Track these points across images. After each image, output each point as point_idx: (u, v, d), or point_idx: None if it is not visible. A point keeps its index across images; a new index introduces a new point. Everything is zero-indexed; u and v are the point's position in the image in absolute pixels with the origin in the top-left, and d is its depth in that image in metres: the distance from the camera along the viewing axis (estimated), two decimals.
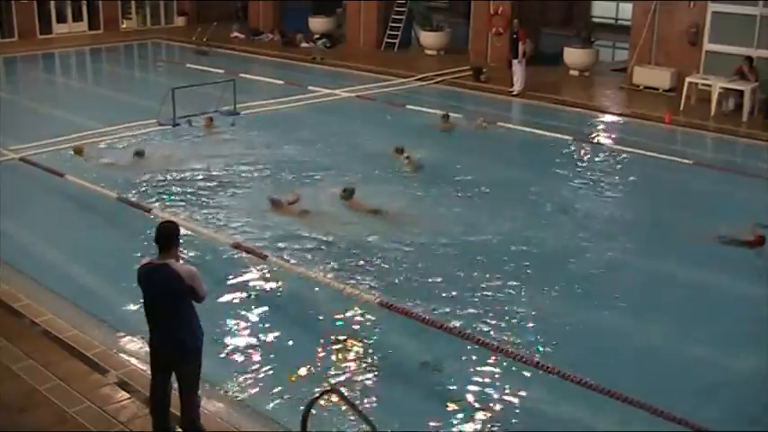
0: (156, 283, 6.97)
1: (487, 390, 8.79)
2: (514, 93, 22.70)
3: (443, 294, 10.84)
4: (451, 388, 8.84)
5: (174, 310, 7.00)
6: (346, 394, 7.64)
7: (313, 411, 6.78)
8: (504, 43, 24.66)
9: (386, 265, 11.75)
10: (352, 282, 11.11)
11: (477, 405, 8.54)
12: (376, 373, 9.10)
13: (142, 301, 7.20)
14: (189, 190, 14.77)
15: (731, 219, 13.45)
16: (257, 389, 8.74)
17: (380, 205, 13.66)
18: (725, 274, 11.57)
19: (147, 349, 7.43)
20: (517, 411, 8.48)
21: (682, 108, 20.63)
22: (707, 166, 16.90)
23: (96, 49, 30.67)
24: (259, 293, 10.94)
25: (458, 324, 9.91)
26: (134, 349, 9.32)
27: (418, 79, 24.49)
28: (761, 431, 8.34)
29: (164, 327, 7.07)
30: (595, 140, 18.76)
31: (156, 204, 13.92)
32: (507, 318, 10.25)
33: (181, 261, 7.20)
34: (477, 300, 10.68)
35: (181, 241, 7.27)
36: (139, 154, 16.35)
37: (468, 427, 8.24)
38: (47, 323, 9.69)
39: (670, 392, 8.62)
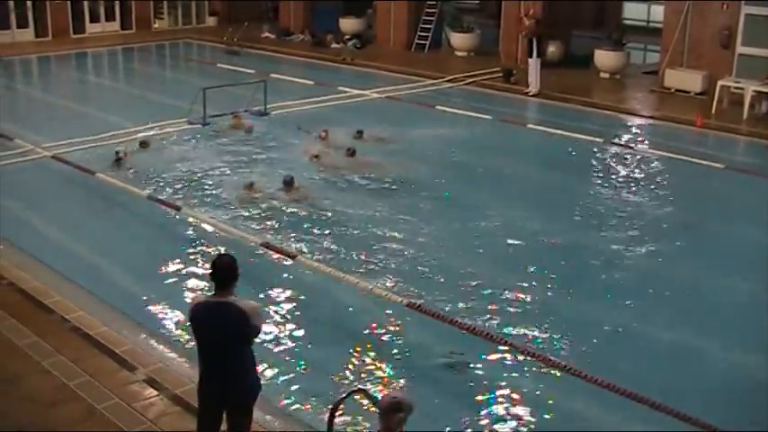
0: (219, 323, 6.29)
1: (515, 391, 8.76)
2: (531, 93, 22.60)
3: (471, 295, 10.81)
4: (479, 389, 8.81)
5: (235, 355, 6.37)
6: (373, 394, 7.64)
7: (340, 412, 6.79)
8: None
9: (412, 265, 11.77)
10: (378, 279, 11.14)
11: (504, 406, 8.52)
12: (403, 373, 9.11)
13: (195, 343, 6.57)
14: (213, 188, 14.85)
15: (762, 223, 13.37)
16: (284, 389, 8.75)
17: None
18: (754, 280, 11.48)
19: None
20: (545, 414, 8.43)
21: (714, 111, 20.42)
22: (739, 169, 16.73)
23: (128, 48, 30.88)
24: (286, 293, 10.94)
25: (487, 326, 9.90)
26: (163, 347, 9.40)
27: (448, 80, 24.44)
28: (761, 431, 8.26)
29: (221, 373, 6.41)
30: (626, 143, 18.62)
31: (184, 203, 14.00)
32: (537, 320, 10.21)
33: (236, 295, 6.48)
34: (506, 302, 10.66)
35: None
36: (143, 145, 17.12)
37: (496, 427, 8.22)
38: (77, 320, 9.79)
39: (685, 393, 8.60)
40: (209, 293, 6.61)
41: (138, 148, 16.96)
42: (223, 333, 6.31)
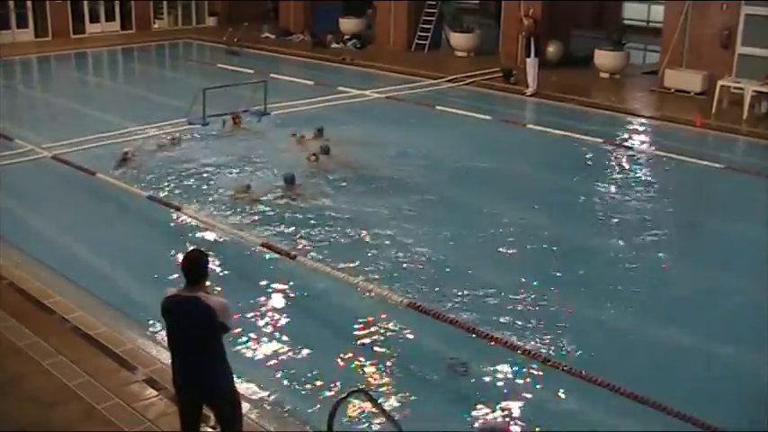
0: (186, 318, 6.34)
1: (515, 393, 8.76)
2: (529, 93, 22.62)
3: (471, 295, 10.80)
4: (479, 390, 8.81)
5: (203, 349, 6.37)
6: (373, 395, 7.64)
7: (340, 412, 6.79)
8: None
9: (414, 265, 11.76)
10: (378, 279, 11.14)
11: (503, 408, 8.51)
12: (403, 374, 9.10)
13: (166, 335, 6.73)
14: (213, 188, 14.83)
15: (762, 223, 13.37)
16: (283, 389, 8.76)
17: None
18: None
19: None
20: (545, 415, 8.43)
21: (713, 111, 20.42)
22: (739, 169, 16.72)
23: (128, 48, 30.93)
24: (285, 293, 10.95)
25: (487, 328, 9.87)
26: (163, 347, 9.36)
27: (448, 80, 24.46)
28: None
29: (190, 366, 6.46)
30: (626, 143, 18.63)
31: (184, 203, 14.00)
32: (539, 321, 10.21)
33: (209, 292, 6.56)
34: (506, 301, 10.66)
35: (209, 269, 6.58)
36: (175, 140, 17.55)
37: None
38: (77, 320, 9.79)
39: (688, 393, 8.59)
40: (181, 287, 6.52)
41: (170, 143, 17.29)
42: (189, 328, 6.35)
